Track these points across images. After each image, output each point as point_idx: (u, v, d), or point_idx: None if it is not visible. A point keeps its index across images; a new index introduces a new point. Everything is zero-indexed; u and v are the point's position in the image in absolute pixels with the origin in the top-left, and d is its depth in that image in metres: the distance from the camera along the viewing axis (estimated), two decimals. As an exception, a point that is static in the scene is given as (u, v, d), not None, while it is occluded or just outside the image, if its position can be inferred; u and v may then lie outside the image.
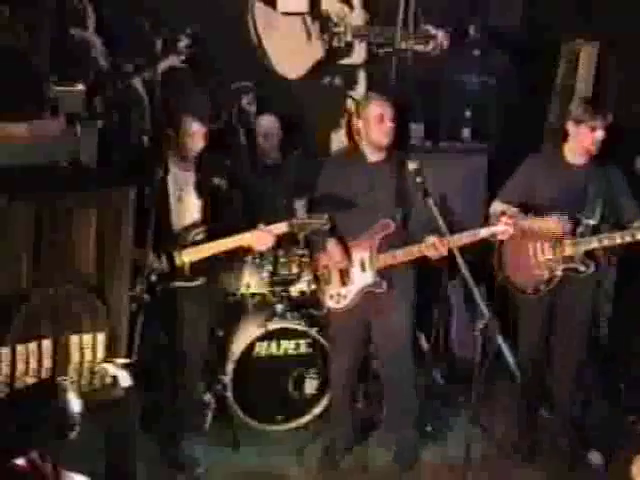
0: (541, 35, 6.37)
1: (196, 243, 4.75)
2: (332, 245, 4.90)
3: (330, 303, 5.00)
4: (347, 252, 4.90)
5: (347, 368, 5.09)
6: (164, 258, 4.68)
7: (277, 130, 5.82)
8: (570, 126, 4.90)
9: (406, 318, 5.00)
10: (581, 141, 4.86)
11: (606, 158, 4.95)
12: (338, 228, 4.92)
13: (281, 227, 4.72)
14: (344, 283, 4.94)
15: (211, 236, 4.77)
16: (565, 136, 4.97)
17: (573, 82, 6.42)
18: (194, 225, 4.78)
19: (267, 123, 5.84)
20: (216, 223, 4.79)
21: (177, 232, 4.76)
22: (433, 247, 4.61)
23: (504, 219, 4.69)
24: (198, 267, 4.76)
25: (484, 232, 4.71)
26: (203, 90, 5.82)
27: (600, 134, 4.82)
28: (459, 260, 4.36)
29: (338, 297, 4.96)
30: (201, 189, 4.80)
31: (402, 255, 4.79)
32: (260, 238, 4.70)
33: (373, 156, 4.89)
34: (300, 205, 5.79)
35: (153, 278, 4.53)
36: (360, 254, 4.89)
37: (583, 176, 4.91)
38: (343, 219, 4.91)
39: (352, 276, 4.92)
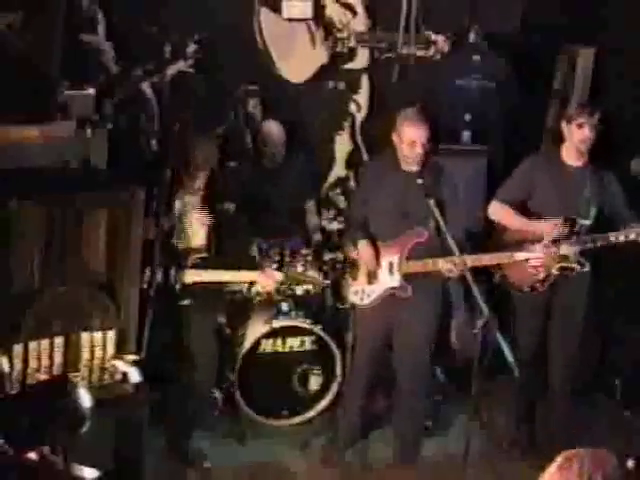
0: (539, 40, 6.35)
1: (194, 267, 4.76)
2: (364, 246, 4.86)
3: (354, 299, 4.99)
4: (377, 254, 4.87)
5: (365, 365, 5.06)
6: (160, 273, 4.65)
7: (282, 136, 5.80)
8: (563, 127, 4.92)
9: (428, 327, 4.97)
10: (571, 140, 4.87)
11: (602, 161, 4.94)
12: (370, 228, 4.92)
13: (277, 276, 4.93)
14: (370, 282, 4.92)
15: (210, 264, 4.78)
16: (562, 137, 4.97)
17: (571, 86, 6.42)
18: (196, 250, 4.78)
19: (272, 130, 5.81)
20: (220, 252, 4.82)
21: (178, 251, 4.76)
22: (451, 265, 4.59)
23: (539, 247, 4.80)
24: (189, 289, 4.76)
25: (520, 256, 4.83)
26: (210, 103, 5.80)
27: (587, 131, 4.80)
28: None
29: (362, 294, 4.95)
30: (205, 215, 4.80)
31: (431, 265, 4.77)
32: (267, 279, 4.92)
33: (407, 166, 4.85)
34: (310, 205, 5.81)
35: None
36: (390, 257, 4.86)
37: (580, 177, 4.90)
38: (374, 221, 4.91)
39: (379, 276, 4.90)
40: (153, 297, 4.44)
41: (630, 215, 4.85)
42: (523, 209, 5.00)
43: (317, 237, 5.81)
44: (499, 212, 5.05)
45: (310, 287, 5.48)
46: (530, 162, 5.05)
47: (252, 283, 5.49)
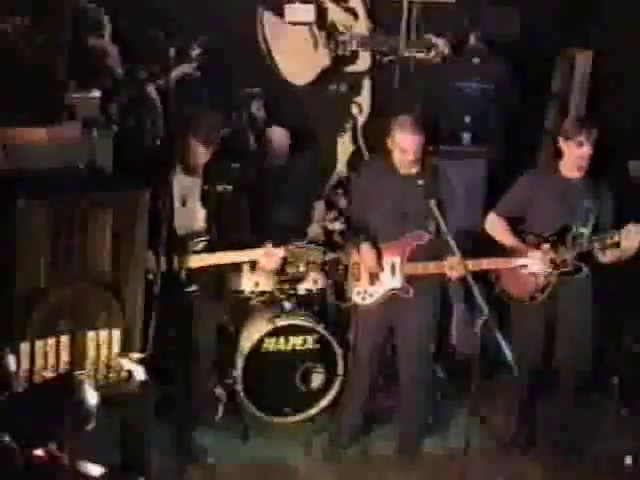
0: (538, 43, 6.36)
1: (196, 252, 4.70)
2: (366, 248, 4.85)
3: (356, 299, 4.99)
4: (379, 256, 4.87)
5: (366, 364, 5.07)
6: (162, 260, 4.60)
7: (285, 142, 5.80)
8: (561, 143, 4.94)
9: (428, 326, 4.99)
10: (571, 157, 4.88)
11: (599, 163, 4.94)
12: (371, 229, 4.91)
13: (279, 252, 4.72)
14: (372, 282, 4.92)
15: (212, 247, 4.72)
16: (560, 153, 4.97)
17: (569, 88, 6.42)
18: (197, 234, 4.74)
19: (275, 136, 5.81)
20: (222, 234, 4.74)
21: (180, 237, 4.70)
22: (450, 267, 4.62)
23: (537, 253, 4.81)
24: (194, 274, 4.71)
25: (520, 261, 4.83)
26: (214, 105, 5.78)
27: (587, 149, 4.83)
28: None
29: (365, 294, 4.94)
30: (206, 198, 4.75)
31: (432, 267, 4.78)
32: (270, 257, 4.69)
33: (403, 168, 4.85)
34: (319, 206, 5.80)
35: (150, 276, 4.48)
36: (392, 258, 4.86)
37: (579, 188, 4.92)
38: (374, 221, 4.90)
39: (381, 277, 4.90)
40: (158, 295, 4.42)
41: (610, 226, 4.86)
42: (521, 222, 5.02)
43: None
44: (495, 227, 5.07)
45: (312, 259, 5.33)
46: (528, 178, 5.06)
47: (257, 283, 5.49)
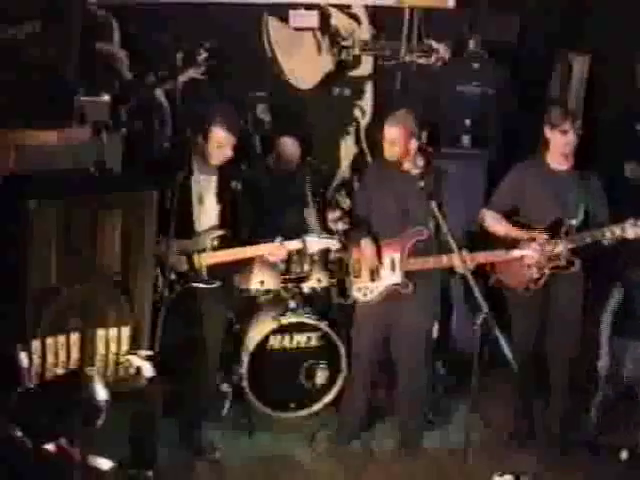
0: (536, 49, 6.35)
1: (214, 249, 4.72)
2: (366, 243, 4.87)
3: (357, 295, 4.99)
4: (379, 251, 4.88)
5: (367, 359, 5.06)
6: (185, 259, 4.64)
7: (297, 152, 5.77)
8: (547, 132, 4.91)
9: (427, 320, 4.98)
10: (556, 145, 4.86)
11: (589, 165, 4.92)
12: (373, 227, 4.92)
13: (296, 244, 4.77)
14: (373, 279, 4.92)
15: (227, 242, 4.74)
16: (547, 144, 4.96)
17: (567, 91, 6.42)
18: (212, 230, 4.75)
19: (287, 147, 5.77)
20: (234, 230, 4.76)
21: (196, 236, 4.72)
22: (459, 261, 4.56)
23: (534, 245, 4.78)
24: (215, 270, 4.73)
25: (515, 253, 4.80)
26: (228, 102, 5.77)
27: (571, 136, 4.81)
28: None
29: (365, 290, 4.95)
30: (222, 194, 4.75)
31: (431, 262, 4.78)
32: (274, 251, 4.74)
33: (406, 166, 4.85)
34: (309, 213, 5.78)
35: (172, 277, 4.48)
36: (391, 254, 4.86)
37: (566, 180, 4.89)
38: (376, 219, 4.92)
39: (381, 274, 4.90)
40: (167, 296, 4.42)
41: (606, 220, 4.82)
42: (515, 213, 5.00)
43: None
44: (487, 219, 5.04)
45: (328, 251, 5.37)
46: (518, 170, 5.04)
47: (262, 282, 5.47)
